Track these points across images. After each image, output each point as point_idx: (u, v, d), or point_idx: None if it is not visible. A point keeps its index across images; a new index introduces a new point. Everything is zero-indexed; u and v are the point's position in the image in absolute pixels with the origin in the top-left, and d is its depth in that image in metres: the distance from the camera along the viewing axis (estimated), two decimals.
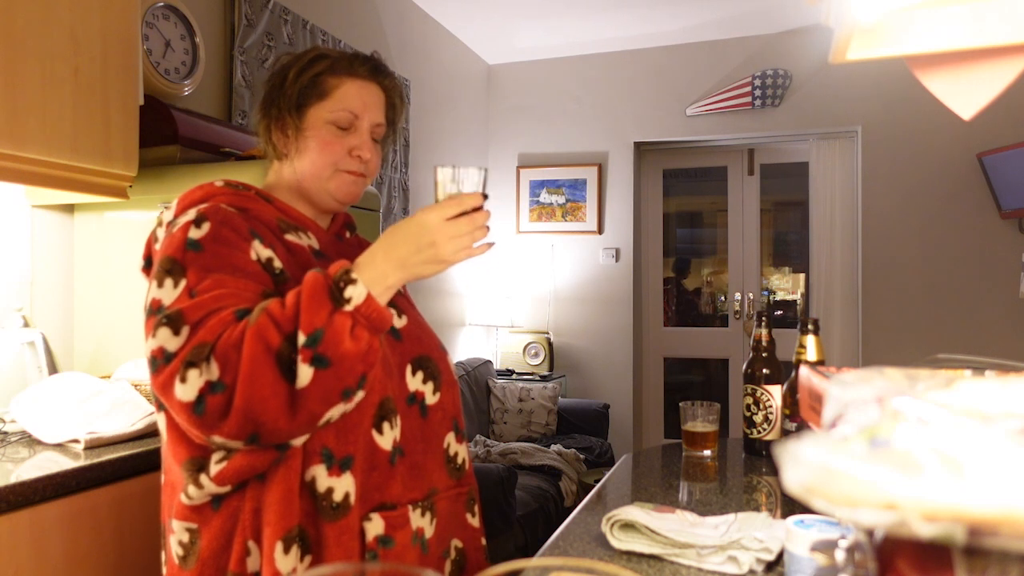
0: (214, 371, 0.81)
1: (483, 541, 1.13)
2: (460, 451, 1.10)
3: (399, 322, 1.06)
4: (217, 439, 0.83)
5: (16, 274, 1.91)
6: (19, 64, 1.49)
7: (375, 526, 0.93)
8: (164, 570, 0.99)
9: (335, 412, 0.86)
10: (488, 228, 0.92)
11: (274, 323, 0.82)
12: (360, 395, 0.88)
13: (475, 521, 1.12)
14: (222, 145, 2.09)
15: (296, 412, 0.82)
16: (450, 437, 1.08)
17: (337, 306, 0.83)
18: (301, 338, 0.81)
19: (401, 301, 1.11)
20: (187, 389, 0.82)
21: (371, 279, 0.87)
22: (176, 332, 0.85)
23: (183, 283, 0.89)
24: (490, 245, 0.93)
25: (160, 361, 0.84)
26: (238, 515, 0.91)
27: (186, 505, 0.93)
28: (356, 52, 1.12)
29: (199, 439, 0.87)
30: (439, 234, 0.88)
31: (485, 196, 0.92)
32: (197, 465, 0.91)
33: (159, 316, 0.87)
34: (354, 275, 0.85)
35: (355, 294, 0.84)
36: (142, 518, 1.45)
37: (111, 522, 1.40)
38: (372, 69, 1.10)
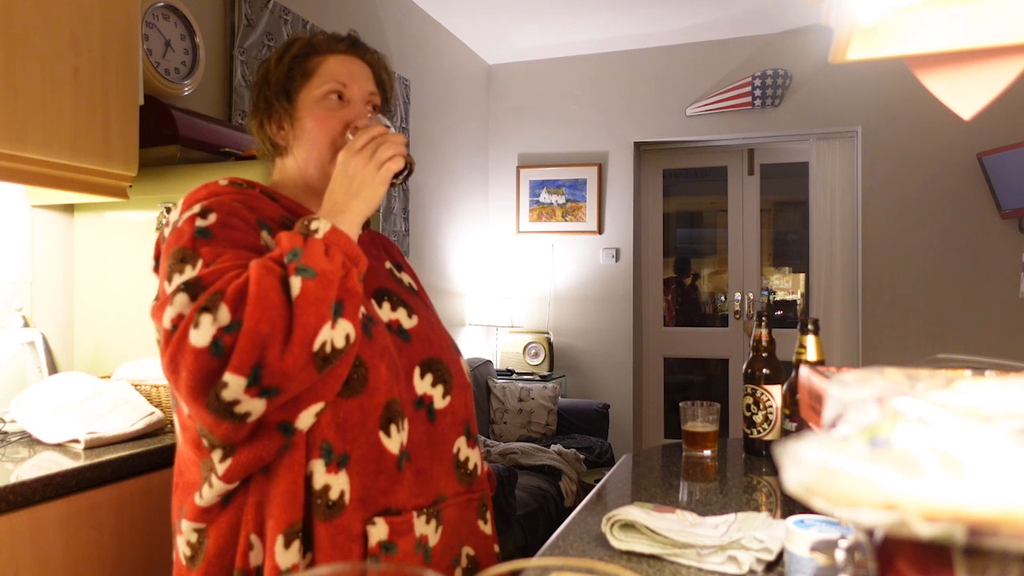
0: (225, 316, 0.81)
1: (496, 548, 1.11)
2: (472, 456, 1.07)
3: (409, 323, 1.04)
4: (225, 376, 0.80)
5: (16, 274, 1.91)
6: (19, 64, 1.49)
7: (379, 531, 0.92)
8: (173, 571, 0.98)
9: (327, 337, 0.84)
10: (396, 140, 1.00)
11: (271, 259, 0.87)
12: (346, 327, 0.86)
13: (487, 528, 1.10)
14: (222, 145, 2.09)
15: (293, 328, 0.82)
16: (460, 442, 1.06)
17: (307, 237, 0.90)
18: (285, 259, 0.87)
19: (414, 301, 1.10)
20: (201, 334, 0.80)
21: (332, 217, 0.94)
22: (194, 298, 0.84)
23: (199, 263, 0.88)
24: (402, 158, 1.01)
25: (178, 326, 0.83)
26: (243, 509, 0.91)
27: (199, 506, 0.92)
28: (333, 32, 1.12)
29: (200, 399, 0.82)
30: (355, 162, 0.97)
31: (388, 127, 1.04)
32: (210, 466, 0.90)
33: (176, 286, 0.87)
34: (316, 216, 0.93)
35: (320, 225, 0.91)
36: (142, 518, 1.45)
37: (111, 522, 1.40)
38: (351, 44, 1.10)
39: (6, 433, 1.59)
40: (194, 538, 0.93)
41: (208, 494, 0.91)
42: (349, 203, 0.96)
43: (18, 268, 1.92)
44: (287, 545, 0.88)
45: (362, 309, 0.96)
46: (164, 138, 1.97)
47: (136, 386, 1.71)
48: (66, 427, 1.51)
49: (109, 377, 1.77)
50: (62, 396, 1.59)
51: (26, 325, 1.89)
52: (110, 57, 1.70)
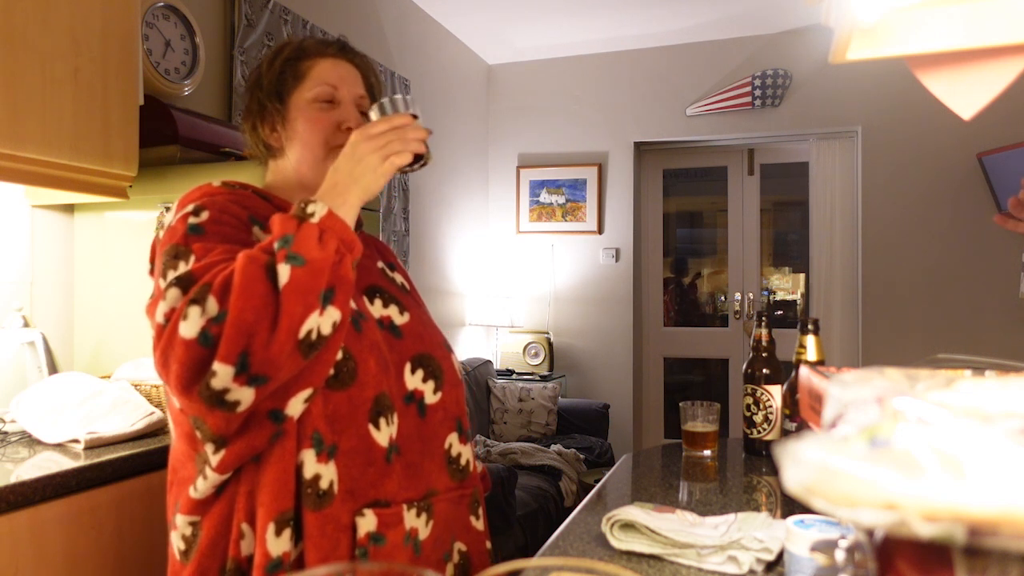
0: (213, 307, 0.82)
1: (488, 544, 1.12)
2: (464, 452, 1.08)
3: (400, 319, 1.06)
4: (214, 366, 0.81)
5: (16, 274, 1.91)
6: (19, 64, 1.49)
7: (368, 522, 0.93)
8: (168, 569, 0.99)
9: (314, 324, 0.84)
10: (412, 136, 0.97)
11: (260, 248, 0.87)
12: (334, 314, 0.86)
13: (479, 524, 1.11)
14: (222, 145, 2.09)
15: (279, 317, 0.82)
16: (452, 438, 1.07)
17: (303, 221, 0.89)
18: (275, 245, 0.86)
19: (405, 299, 1.11)
20: (189, 326, 0.81)
21: (331, 200, 0.93)
22: (185, 292, 0.85)
23: (191, 259, 0.90)
24: (416, 153, 0.98)
25: (170, 320, 0.84)
26: (235, 499, 0.91)
27: (193, 499, 0.93)
28: (323, 37, 1.15)
29: (190, 390, 0.83)
30: (364, 147, 0.95)
31: (415, 116, 0.99)
32: (204, 459, 0.91)
33: (169, 281, 0.87)
34: (314, 199, 0.92)
35: (316, 209, 0.90)
36: (142, 518, 1.45)
37: (111, 522, 1.40)
38: (340, 48, 1.13)
39: (6, 433, 1.59)
40: (189, 531, 0.94)
41: (203, 486, 0.91)
42: (350, 187, 0.95)
43: (18, 268, 1.92)
44: (278, 533, 0.89)
45: (352, 304, 0.97)
46: (164, 138, 1.97)
47: (136, 386, 1.71)
48: (66, 427, 1.51)
49: (109, 377, 1.77)
50: (62, 396, 1.59)
51: (26, 325, 1.89)
52: (110, 57, 1.70)
